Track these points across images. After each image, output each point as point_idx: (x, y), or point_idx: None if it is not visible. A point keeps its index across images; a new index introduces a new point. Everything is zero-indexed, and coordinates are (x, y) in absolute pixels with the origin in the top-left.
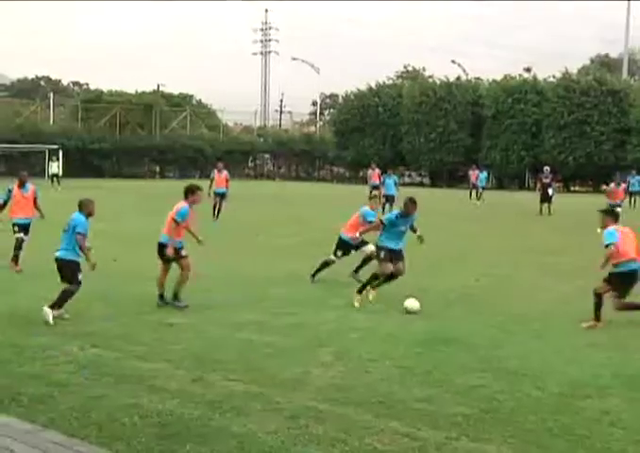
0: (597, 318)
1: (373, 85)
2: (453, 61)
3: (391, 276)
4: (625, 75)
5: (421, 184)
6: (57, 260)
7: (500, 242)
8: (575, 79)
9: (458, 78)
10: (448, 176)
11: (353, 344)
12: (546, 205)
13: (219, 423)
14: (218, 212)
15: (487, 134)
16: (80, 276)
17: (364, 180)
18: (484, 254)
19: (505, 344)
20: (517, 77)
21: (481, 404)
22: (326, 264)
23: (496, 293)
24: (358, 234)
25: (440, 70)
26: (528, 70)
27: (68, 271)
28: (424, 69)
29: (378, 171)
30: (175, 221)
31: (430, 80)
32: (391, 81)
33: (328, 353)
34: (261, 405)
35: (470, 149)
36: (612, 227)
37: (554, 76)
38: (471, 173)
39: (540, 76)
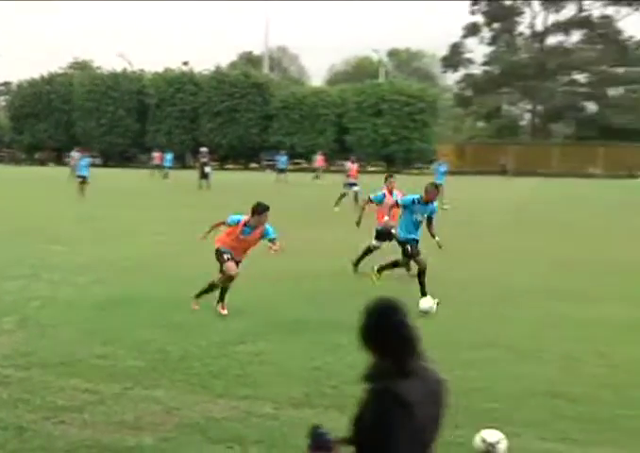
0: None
1: (45, 74)
2: (120, 55)
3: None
4: (266, 70)
5: (94, 165)
6: None
7: (169, 213)
8: (226, 73)
9: (124, 70)
10: (119, 157)
11: (34, 312)
12: (204, 181)
13: None
14: None
15: (152, 120)
16: None
17: (40, 162)
18: (154, 225)
19: (179, 303)
20: (176, 70)
21: (154, 356)
22: (369, 251)
23: (167, 259)
24: (386, 218)
25: (109, 62)
26: (185, 63)
27: None
28: (92, 61)
29: (78, 155)
30: None
31: (99, 71)
32: (62, 71)
33: (10, 322)
34: None
35: (137, 133)
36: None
37: (209, 70)
38: (156, 155)
39: (197, 70)
